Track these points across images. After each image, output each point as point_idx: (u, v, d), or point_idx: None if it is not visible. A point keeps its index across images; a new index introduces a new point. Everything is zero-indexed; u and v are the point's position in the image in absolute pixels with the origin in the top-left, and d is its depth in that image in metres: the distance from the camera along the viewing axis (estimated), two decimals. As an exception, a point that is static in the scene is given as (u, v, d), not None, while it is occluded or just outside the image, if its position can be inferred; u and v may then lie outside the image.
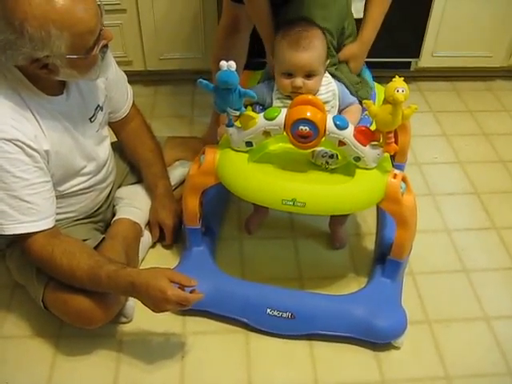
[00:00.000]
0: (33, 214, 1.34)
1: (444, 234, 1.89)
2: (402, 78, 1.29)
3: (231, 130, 1.42)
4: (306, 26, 1.47)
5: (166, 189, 1.76)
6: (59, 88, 1.42)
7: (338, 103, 1.54)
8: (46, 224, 1.37)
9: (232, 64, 1.30)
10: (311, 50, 1.45)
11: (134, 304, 1.57)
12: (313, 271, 1.75)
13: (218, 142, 1.54)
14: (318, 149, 1.43)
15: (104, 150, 1.61)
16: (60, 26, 1.22)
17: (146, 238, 1.75)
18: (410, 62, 2.41)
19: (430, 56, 2.41)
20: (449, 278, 1.75)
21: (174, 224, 1.76)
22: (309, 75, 1.46)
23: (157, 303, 1.35)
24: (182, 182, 1.73)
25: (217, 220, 1.84)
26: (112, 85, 1.60)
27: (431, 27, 2.34)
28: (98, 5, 1.29)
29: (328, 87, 1.53)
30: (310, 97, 1.37)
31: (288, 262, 1.78)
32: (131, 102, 1.72)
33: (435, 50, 2.40)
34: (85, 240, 1.52)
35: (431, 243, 1.85)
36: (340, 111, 1.53)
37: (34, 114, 1.34)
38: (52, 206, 1.40)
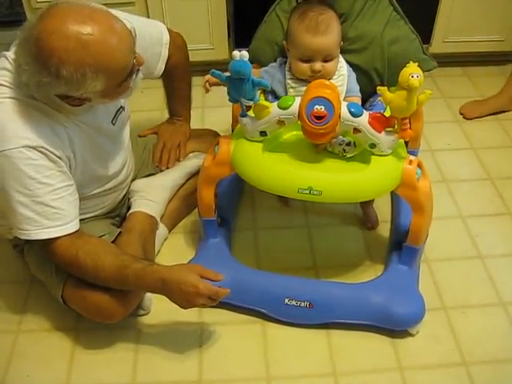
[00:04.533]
0: (58, 218, 1.35)
1: (458, 221, 1.89)
2: (417, 64, 1.28)
3: (245, 119, 1.41)
4: (320, 9, 1.48)
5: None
6: None
7: (345, 89, 1.54)
8: (71, 228, 1.37)
9: (245, 54, 1.30)
10: (329, 33, 1.46)
11: (151, 296, 1.58)
12: (328, 260, 1.75)
13: (225, 129, 1.54)
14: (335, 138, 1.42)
15: (124, 151, 1.61)
16: (95, 69, 1.21)
17: (162, 230, 1.76)
18: (421, 49, 2.40)
19: (441, 42, 2.39)
20: (464, 265, 1.74)
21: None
22: (327, 59, 1.47)
23: (189, 298, 1.35)
24: (196, 174, 1.73)
25: (232, 211, 1.84)
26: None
27: (442, 13, 2.33)
28: (131, 31, 1.28)
29: (340, 71, 1.53)
30: (327, 82, 1.37)
31: (303, 251, 1.78)
32: (163, 65, 1.67)
33: (446, 35, 2.38)
34: (102, 235, 1.53)
35: (445, 230, 1.84)
36: None
37: (58, 123, 1.35)
38: (76, 208, 1.40)
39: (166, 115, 1.95)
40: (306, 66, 1.48)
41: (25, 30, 1.22)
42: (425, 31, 2.34)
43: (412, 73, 1.26)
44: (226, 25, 2.35)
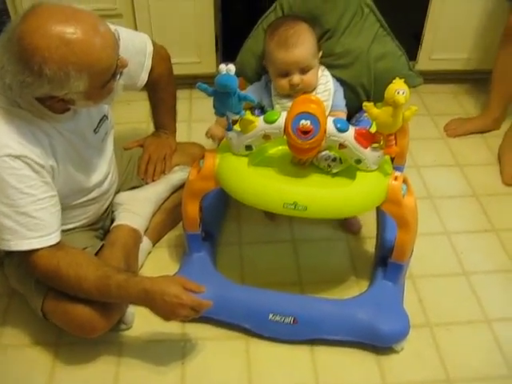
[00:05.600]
0: (40, 229, 1.33)
1: (443, 237, 1.89)
2: (403, 80, 1.29)
3: (231, 134, 1.41)
4: (291, 23, 1.49)
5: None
6: None
7: (330, 104, 1.54)
8: (53, 239, 1.35)
9: (231, 67, 1.30)
10: (300, 45, 1.46)
11: (133, 311, 1.56)
12: (313, 275, 1.74)
13: (211, 142, 1.54)
14: (321, 152, 1.42)
15: (107, 161, 1.60)
16: (79, 68, 1.21)
17: (145, 244, 1.74)
18: (408, 65, 2.41)
19: (427, 59, 2.41)
20: (449, 281, 1.74)
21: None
22: (304, 70, 1.48)
23: (171, 309, 1.34)
24: (181, 187, 1.72)
25: (216, 225, 1.83)
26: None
27: (428, 30, 2.36)
28: (115, 34, 1.29)
29: (326, 86, 1.54)
30: (313, 97, 1.37)
31: (288, 266, 1.77)
32: (146, 75, 1.67)
33: (432, 53, 2.40)
34: (84, 248, 1.51)
35: (431, 246, 1.84)
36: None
37: (42, 132, 1.33)
38: (58, 219, 1.38)
39: (153, 128, 1.94)
40: (284, 80, 1.49)
41: (8, 31, 1.21)
42: (411, 48, 2.36)
43: (398, 89, 1.26)
44: (213, 38, 2.35)
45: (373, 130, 1.37)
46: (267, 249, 1.83)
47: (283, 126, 1.34)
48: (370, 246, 1.82)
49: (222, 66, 1.30)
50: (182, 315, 1.36)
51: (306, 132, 1.31)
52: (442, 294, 1.70)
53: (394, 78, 1.30)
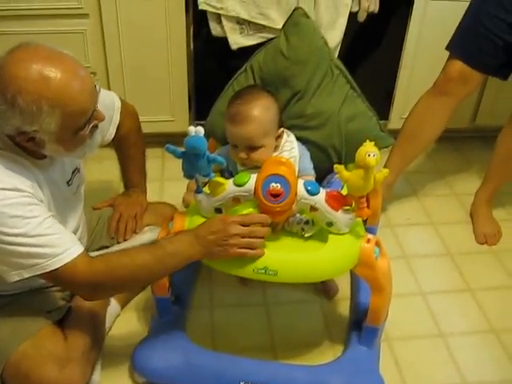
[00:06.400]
0: (62, 243, 1.29)
1: (419, 298, 1.87)
2: (373, 143, 1.29)
3: (200, 196, 1.39)
4: (249, 97, 1.45)
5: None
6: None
7: (296, 170, 1.52)
8: (79, 248, 1.31)
9: (200, 129, 1.29)
10: (248, 124, 1.42)
11: (99, 379, 1.50)
12: (286, 340, 1.70)
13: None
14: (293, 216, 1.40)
15: (78, 215, 1.58)
16: (52, 104, 1.21)
17: (113, 307, 1.69)
18: (379, 124, 2.44)
19: (398, 118, 2.44)
20: (426, 343, 1.72)
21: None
22: (252, 148, 1.45)
23: (221, 235, 1.31)
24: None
25: (187, 288, 1.79)
26: None
27: (399, 90, 2.40)
28: (95, 85, 1.30)
29: (291, 153, 1.52)
30: (284, 159, 1.36)
31: (260, 330, 1.73)
32: (114, 130, 1.68)
33: (404, 112, 2.43)
34: (49, 311, 1.47)
35: (406, 307, 1.82)
36: None
37: (28, 171, 1.32)
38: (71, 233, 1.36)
39: (123, 189, 1.91)
40: (234, 151, 1.47)
41: None
42: (383, 107, 2.39)
43: (369, 151, 1.26)
44: (186, 97, 2.37)
45: (344, 192, 1.36)
46: (239, 313, 1.78)
47: (253, 188, 1.32)
48: (344, 308, 1.79)
49: (191, 128, 1.29)
50: (233, 233, 1.31)
51: (276, 195, 1.30)
52: (419, 357, 1.67)
53: (365, 140, 1.29)
